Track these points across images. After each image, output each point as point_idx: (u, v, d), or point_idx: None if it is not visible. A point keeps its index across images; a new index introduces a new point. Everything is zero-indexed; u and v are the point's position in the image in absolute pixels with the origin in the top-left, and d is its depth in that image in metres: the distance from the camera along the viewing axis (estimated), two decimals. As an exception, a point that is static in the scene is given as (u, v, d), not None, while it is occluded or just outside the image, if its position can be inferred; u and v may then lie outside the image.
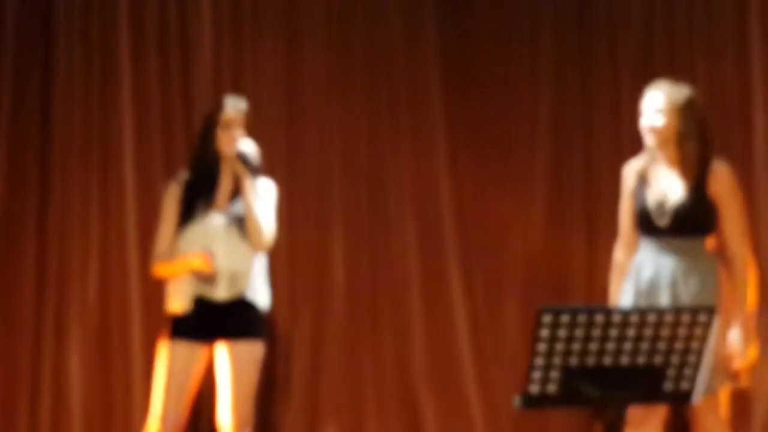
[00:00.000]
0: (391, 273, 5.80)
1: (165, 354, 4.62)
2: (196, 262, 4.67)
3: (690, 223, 4.35)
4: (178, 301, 4.65)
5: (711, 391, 4.27)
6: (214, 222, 4.67)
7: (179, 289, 4.64)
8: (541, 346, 3.44)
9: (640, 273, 4.51)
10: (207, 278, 4.63)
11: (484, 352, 5.89)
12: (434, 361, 5.82)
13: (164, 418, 4.67)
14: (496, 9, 5.96)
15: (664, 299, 4.44)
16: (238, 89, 5.54)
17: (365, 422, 5.72)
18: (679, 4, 5.84)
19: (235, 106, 4.78)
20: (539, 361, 3.45)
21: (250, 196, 4.66)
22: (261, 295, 4.77)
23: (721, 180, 4.36)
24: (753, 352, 4.36)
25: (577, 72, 5.95)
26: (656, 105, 4.41)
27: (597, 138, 5.94)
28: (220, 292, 4.64)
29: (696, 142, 4.34)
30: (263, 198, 4.80)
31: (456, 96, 5.95)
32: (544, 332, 3.42)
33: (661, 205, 4.37)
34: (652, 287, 4.48)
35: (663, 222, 4.39)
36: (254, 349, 4.71)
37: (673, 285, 4.43)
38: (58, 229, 5.57)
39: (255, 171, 4.63)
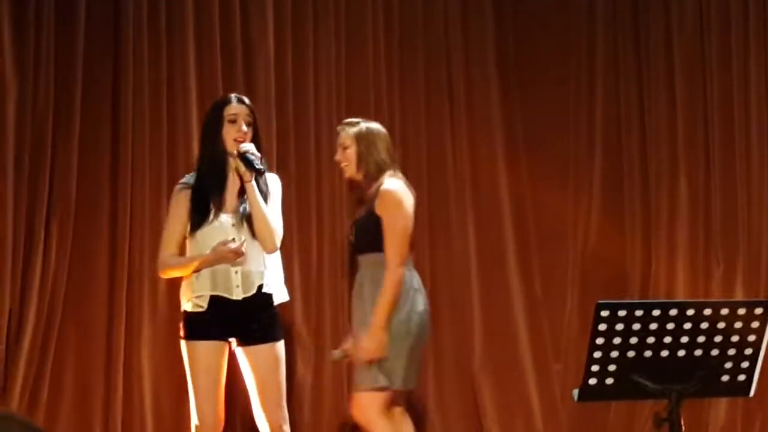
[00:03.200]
0: (450, 266, 5.82)
1: (188, 354, 4.49)
2: (225, 255, 4.49)
3: (361, 241, 4.58)
4: (194, 301, 4.50)
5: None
6: (224, 223, 4.50)
7: (194, 288, 4.49)
8: (599, 340, 3.45)
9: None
10: (223, 277, 4.48)
11: (542, 345, 5.94)
12: (493, 354, 5.85)
13: (202, 418, 4.53)
14: (553, 9, 6.07)
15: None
16: (297, 78, 5.70)
17: (426, 415, 5.71)
18: (734, 2, 5.89)
19: (240, 101, 4.58)
20: (597, 354, 3.46)
21: (256, 200, 4.48)
22: (277, 291, 4.60)
23: (382, 202, 4.51)
24: (376, 345, 4.49)
25: (633, 68, 5.99)
26: (340, 141, 4.67)
27: (653, 134, 5.96)
28: (236, 292, 4.49)
29: (368, 170, 4.53)
30: (271, 197, 4.62)
31: (513, 92, 6.03)
32: (602, 326, 3.44)
33: (352, 225, 4.66)
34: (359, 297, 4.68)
35: (352, 240, 4.65)
36: (274, 352, 4.55)
37: (371, 296, 4.59)
38: (129, 224, 5.56)
39: (259, 171, 4.40)
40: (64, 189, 5.51)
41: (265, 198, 4.53)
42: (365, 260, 4.56)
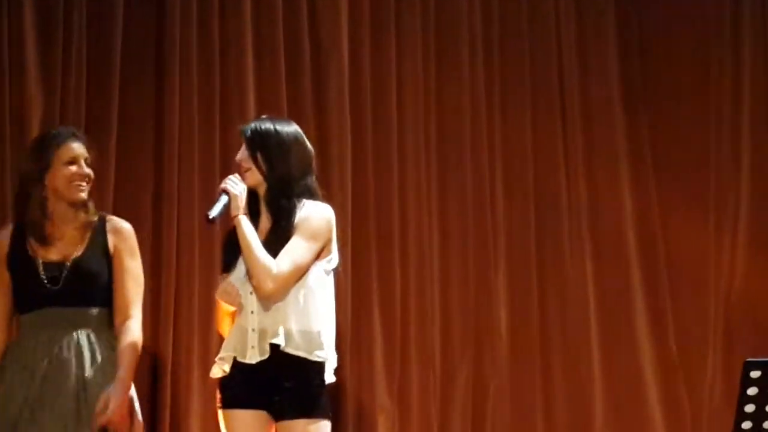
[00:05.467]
0: (563, 318, 5.54)
1: (223, 424, 4.10)
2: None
3: None
4: (217, 363, 4.10)
5: None
6: (240, 268, 4.08)
7: (223, 345, 4.12)
8: (749, 407, 3.28)
9: None
10: (240, 335, 4.03)
11: (680, 417, 5.58)
12: (618, 419, 5.55)
13: None
14: (688, 15, 5.76)
15: None
16: (376, 93, 5.41)
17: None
18: None
19: None
20: (747, 425, 3.29)
21: (242, 235, 4.03)
22: (313, 353, 4.00)
23: None
24: None
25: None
26: None
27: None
28: (250, 354, 3.99)
29: None
30: (299, 228, 4.12)
31: (640, 109, 5.74)
32: (752, 390, 3.27)
33: None
34: None
35: None
36: None
37: None
38: (175, 265, 5.13)
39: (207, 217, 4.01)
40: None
41: (281, 232, 4.02)
42: None
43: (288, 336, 3.92)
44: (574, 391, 5.49)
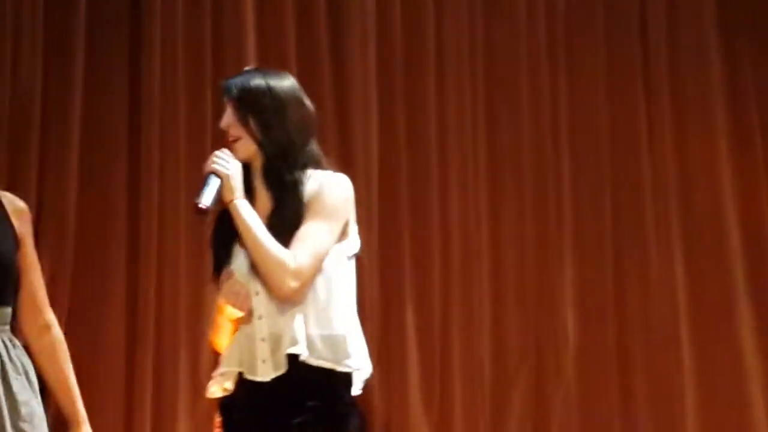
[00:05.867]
0: (647, 315, 5.27)
1: None
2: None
3: None
4: (218, 379, 3.66)
5: None
6: (238, 262, 3.76)
7: (222, 359, 3.72)
8: None
9: None
10: (247, 347, 3.63)
11: None
12: None
13: None
14: None
15: None
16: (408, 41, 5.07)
17: None
18: None
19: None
20: None
21: (242, 222, 3.73)
22: (347, 358, 3.69)
23: None
24: None
25: None
26: None
27: None
28: (261, 370, 3.60)
29: None
30: (310, 210, 3.77)
31: (742, 58, 5.41)
32: None
33: None
34: None
35: None
36: None
37: None
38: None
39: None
40: (57, 198, 4.80)
41: (288, 213, 3.62)
42: None
43: (310, 343, 3.54)
44: (660, 409, 5.25)
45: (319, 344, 3.54)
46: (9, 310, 3.61)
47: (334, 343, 3.55)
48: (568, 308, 5.21)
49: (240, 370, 3.58)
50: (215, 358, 3.81)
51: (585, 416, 5.22)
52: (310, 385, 3.54)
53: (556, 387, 5.15)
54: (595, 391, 5.22)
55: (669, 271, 5.35)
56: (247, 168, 3.62)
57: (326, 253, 3.58)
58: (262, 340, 3.55)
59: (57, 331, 3.69)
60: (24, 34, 4.79)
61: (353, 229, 3.65)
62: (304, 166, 3.61)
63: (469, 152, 5.15)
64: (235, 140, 3.59)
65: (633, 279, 5.31)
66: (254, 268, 3.56)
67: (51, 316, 3.69)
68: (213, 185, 3.53)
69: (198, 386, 4.81)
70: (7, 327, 3.60)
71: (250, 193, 3.65)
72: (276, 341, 3.55)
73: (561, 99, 5.31)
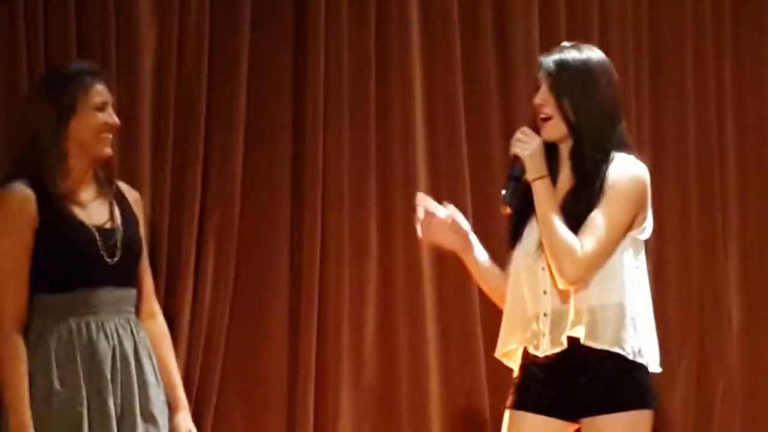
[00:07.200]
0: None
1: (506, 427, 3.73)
2: None
3: None
4: (502, 353, 3.76)
5: None
6: (531, 238, 3.68)
7: (504, 329, 3.73)
8: None
9: None
10: (526, 319, 3.68)
11: None
12: None
13: None
14: None
15: None
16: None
17: None
18: None
19: None
20: None
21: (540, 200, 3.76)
22: (632, 341, 3.60)
23: None
24: None
25: None
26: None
27: None
28: (543, 343, 3.61)
29: None
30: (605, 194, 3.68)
31: None
32: None
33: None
34: None
35: None
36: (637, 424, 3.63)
37: None
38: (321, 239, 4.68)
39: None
40: (224, 185, 4.63)
41: (586, 194, 3.61)
42: None
43: (591, 326, 3.57)
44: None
45: (600, 326, 3.55)
46: (135, 291, 3.68)
47: (619, 327, 3.55)
48: (732, 293, 5.09)
49: (524, 345, 3.62)
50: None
51: (748, 404, 5.12)
52: (587, 363, 3.54)
53: (719, 374, 5.09)
54: (753, 367, 5.12)
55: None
56: (550, 146, 3.57)
57: (615, 244, 3.54)
58: (545, 315, 3.59)
59: (161, 320, 3.76)
60: (189, 31, 4.58)
61: (649, 214, 3.60)
62: (610, 150, 3.56)
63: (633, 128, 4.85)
64: (547, 119, 3.59)
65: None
66: (542, 247, 3.57)
67: (156, 305, 3.77)
68: (512, 185, 3.56)
69: (361, 377, 4.80)
70: (133, 309, 3.66)
71: (552, 171, 3.60)
72: (557, 318, 3.57)
73: (726, 78, 5.12)
